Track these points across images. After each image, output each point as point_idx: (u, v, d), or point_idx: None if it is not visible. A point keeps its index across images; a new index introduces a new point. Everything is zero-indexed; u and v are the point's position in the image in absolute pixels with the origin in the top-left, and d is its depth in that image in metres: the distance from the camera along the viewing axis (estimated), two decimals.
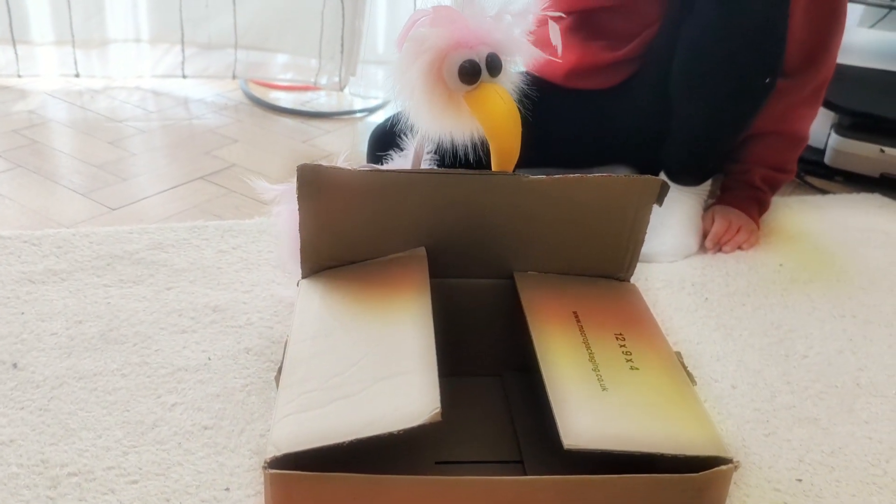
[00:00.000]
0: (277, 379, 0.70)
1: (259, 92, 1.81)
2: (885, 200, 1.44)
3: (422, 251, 0.82)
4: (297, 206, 0.78)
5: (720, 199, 1.30)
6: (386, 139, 0.96)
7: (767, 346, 1.02)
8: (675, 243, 1.20)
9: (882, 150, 1.46)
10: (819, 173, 1.54)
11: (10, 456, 0.77)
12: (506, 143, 0.75)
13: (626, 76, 1.29)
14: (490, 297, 0.86)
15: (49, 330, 0.95)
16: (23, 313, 0.98)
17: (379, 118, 1.74)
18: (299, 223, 0.79)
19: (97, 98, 1.72)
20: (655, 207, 0.82)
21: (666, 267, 1.18)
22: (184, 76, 1.79)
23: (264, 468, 0.59)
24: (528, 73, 0.82)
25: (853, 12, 1.69)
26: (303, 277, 0.82)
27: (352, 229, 0.81)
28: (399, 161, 0.89)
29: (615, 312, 0.80)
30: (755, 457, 0.84)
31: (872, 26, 1.75)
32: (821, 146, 1.53)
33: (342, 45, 1.72)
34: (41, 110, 1.64)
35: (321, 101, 1.81)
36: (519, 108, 0.75)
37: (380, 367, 0.67)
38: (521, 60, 0.77)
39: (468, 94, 0.75)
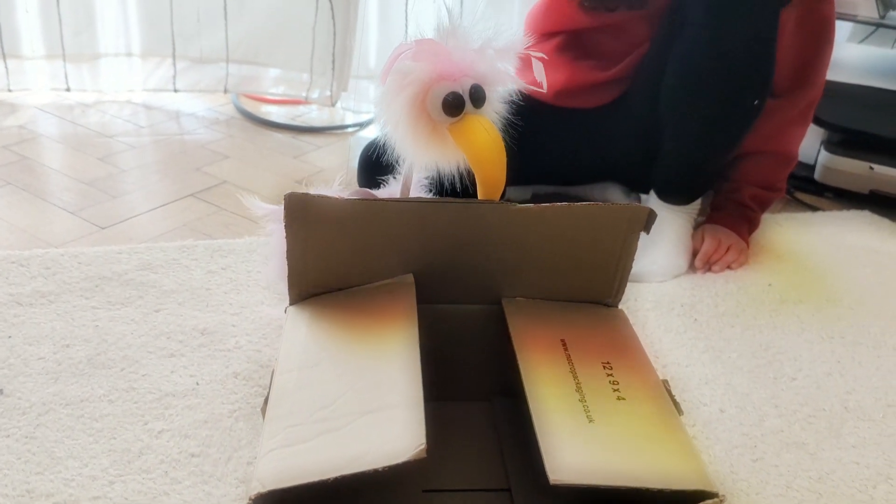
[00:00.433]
0: (264, 410, 0.70)
1: (250, 106, 1.81)
2: (875, 218, 1.44)
3: (409, 278, 0.82)
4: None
5: (710, 217, 1.30)
6: (375, 165, 0.96)
7: (756, 368, 1.02)
8: (665, 263, 1.21)
9: (871, 168, 1.47)
10: (809, 189, 1.55)
11: None
12: (491, 173, 0.76)
13: (615, 95, 1.30)
14: (478, 322, 0.86)
15: (36, 354, 0.95)
16: (10, 336, 0.98)
17: (370, 133, 1.74)
18: (286, 251, 0.79)
19: (88, 112, 1.72)
20: None
21: (655, 287, 1.18)
22: (175, 90, 1.78)
23: None
24: (518, 92, 0.82)
25: (843, 28, 1.69)
26: (290, 304, 0.82)
27: (339, 256, 0.81)
28: (394, 185, 0.90)
29: (603, 340, 0.80)
30: (743, 483, 0.84)
31: (862, 41, 1.76)
32: (811, 162, 1.54)
33: (333, 60, 1.72)
34: (31, 125, 1.63)
35: (312, 115, 1.81)
36: (504, 139, 0.75)
37: (365, 400, 0.66)
38: (505, 89, 0.77)
39: (452, 126, 0.75)
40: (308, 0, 1.67)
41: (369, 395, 0.67)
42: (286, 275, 0.82)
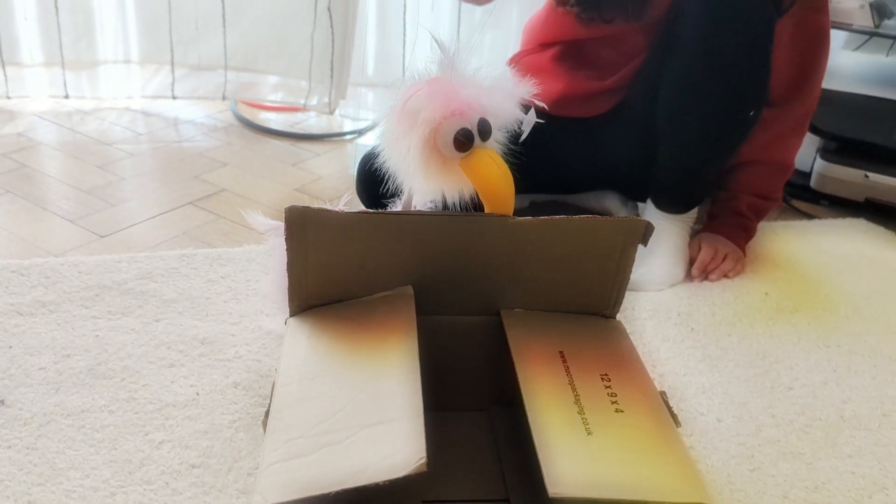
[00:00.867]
0: (265, 423, 0.71)
1: (249, 113, 1.81)
2: (870, 226, 1.45)
3: (409, 290, 0.82)
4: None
5: (707, 226, 1.31)
6: (373, 177, 0.97)
7: (753, 377, 1.03)
8: (662, 272, 1.21)
9: (866, 176, 1.48)
10: (805, 197, 1.56)
11: None
12: (501, 205, 0.79)
13: (613, 105, 1.30)
14: (477, 334, 0.87)
15: (37, 364, 0.95)
16: (11, 347, 0.98)
17: (368, 140, 1.74)
18: (287, 263, 0.80)
19: (87, 119, 1.72)
20: None
21: (653, 296, 1.18)
22: (174, 97, 1.79)
23: None
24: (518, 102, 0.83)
25: (838, 36, 1.70)
26: (290, 315, 0.83)
27: (339, 268, 0.82)
28: (397, 206, 0.91)
29: (601, 352, 0.81)
30: (740, 493, 0.84)
31: (856, 49, 1.77)
32: (807, 170, 1.55)
33: (332, 68, 1.72)
34: (30, 132, 1.64)
35: (311, 122, 1.82)
36: (505, 155, 0.76)
37: (366, 413, 0.67)
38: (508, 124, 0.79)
39: (463, 161, 0.77)
40: (307, 7, 1.68)
41: (370, 407, 0.67)
42: (286, 288, 0.82)
